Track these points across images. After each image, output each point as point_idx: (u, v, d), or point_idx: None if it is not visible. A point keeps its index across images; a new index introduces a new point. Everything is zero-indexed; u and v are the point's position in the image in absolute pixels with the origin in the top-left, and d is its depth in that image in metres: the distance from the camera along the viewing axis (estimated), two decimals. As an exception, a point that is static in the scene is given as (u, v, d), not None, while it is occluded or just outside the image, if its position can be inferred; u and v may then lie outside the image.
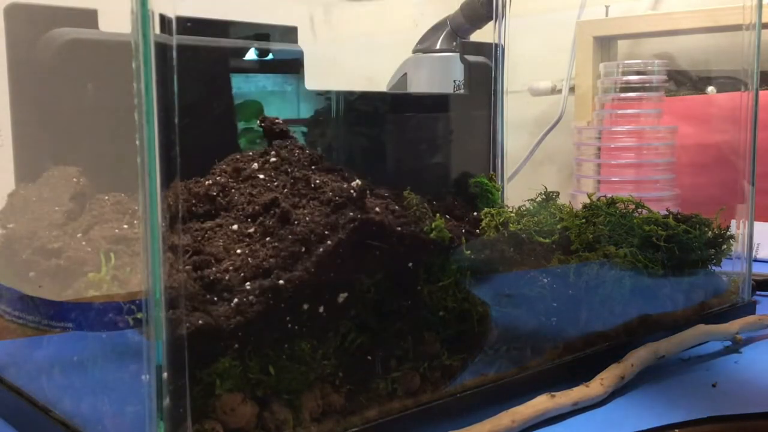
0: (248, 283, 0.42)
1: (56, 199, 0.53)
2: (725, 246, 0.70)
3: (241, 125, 0.73)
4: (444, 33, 1.06)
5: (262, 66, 0.72)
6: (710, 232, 0.69)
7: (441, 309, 0.50)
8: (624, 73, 1.10)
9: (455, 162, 0.85)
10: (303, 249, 0.44)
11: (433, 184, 0.80)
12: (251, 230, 0.46)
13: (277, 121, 0.55)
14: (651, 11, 1.30)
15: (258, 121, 0.56)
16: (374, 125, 0.79)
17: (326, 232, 0.44)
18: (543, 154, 1.19)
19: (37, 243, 0.50)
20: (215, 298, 0.41)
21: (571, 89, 1.27)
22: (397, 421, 0.47)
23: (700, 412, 0.51)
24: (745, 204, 0.75)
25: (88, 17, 0.62)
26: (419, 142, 0.81)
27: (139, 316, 0.40)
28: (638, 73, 1.10)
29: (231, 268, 0.43)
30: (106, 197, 0.53)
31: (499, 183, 0.88)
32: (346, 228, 0.45)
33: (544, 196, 0.72)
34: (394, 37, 1.07)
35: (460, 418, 0.48)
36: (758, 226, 0.78)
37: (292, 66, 0.73)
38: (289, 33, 0.73)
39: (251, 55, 0.71)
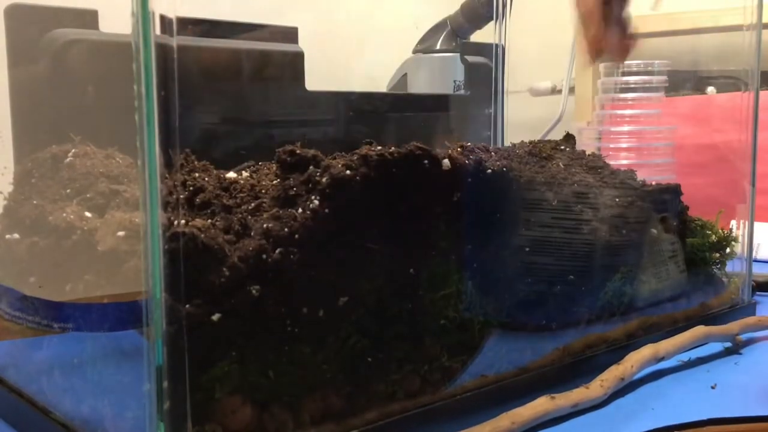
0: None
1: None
2: (729, 250, 0.70)
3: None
4: (444, 33, 1.06)
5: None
6: (714, 236, 0.69)
7: (442, 318, 0.50)
8: (624, 74, 1.10)
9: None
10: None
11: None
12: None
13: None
14: (651, 11, 1.29)
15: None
16: (374, 125, 0.79)
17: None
18: (543, 154, 1.18)
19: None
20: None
21: (571, 89, 1.27)
22: (397, 423, 0.47)
23: (700, 414, 0.51)
24: (745, 204, 0.74)
25: (89, 18, 0.62)
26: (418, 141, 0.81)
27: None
28: (638, 73, 1.10)
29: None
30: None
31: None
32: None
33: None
34: (394, 37, 1.07)
35: (460, 420, 0.48)
36: (758, 226, 0.78)
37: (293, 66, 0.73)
38: (290, 34, 0.73)
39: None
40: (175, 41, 0.37)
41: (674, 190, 0.65)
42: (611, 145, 1.11)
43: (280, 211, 0.44)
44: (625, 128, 1.10)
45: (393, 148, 0.47)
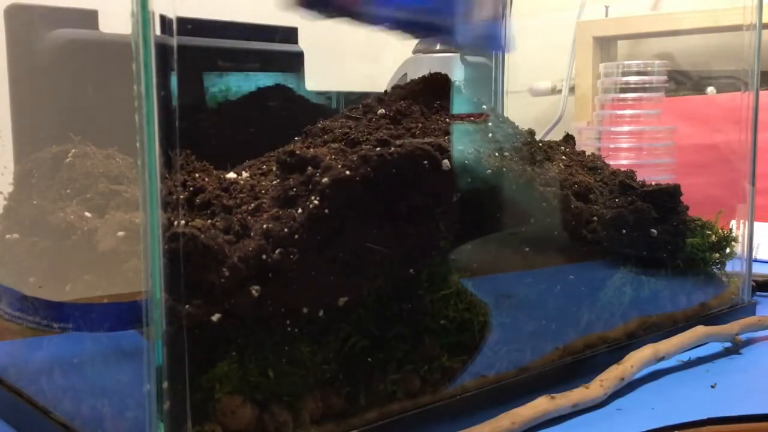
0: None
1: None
2: (729, 250, 0.70)
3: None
4: (444, 33, 1.06)
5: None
6: (714, 236, 0.69)
7: (442, 318, 0.50)
8: (624, 74, 1.10)
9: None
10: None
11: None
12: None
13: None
14: (651, 11, 1.30)
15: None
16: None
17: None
18: (543, 154, 1.18)
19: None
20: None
21: (571, 89, 1.27)
22: (397, 423, 0.47)
23: (700, 414, 0.51)
24: (745, 204, 0.75)
25: (89, 18, 0.62)
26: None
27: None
28: (638, 73, 1.10)
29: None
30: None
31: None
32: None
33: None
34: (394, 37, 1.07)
35: (460, 420, 0.48)
36: (758, 226, 0.78)
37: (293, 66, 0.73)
38: (290, 34, 0.73)
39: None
40: (175, 41, 0.37)
41: (674, 190, 0.65)
42: (611, 145, 1.11)
43: (280, 212, 0.44)
44: (625, 128, 1.10)
45: (393, 148, 0.47)
